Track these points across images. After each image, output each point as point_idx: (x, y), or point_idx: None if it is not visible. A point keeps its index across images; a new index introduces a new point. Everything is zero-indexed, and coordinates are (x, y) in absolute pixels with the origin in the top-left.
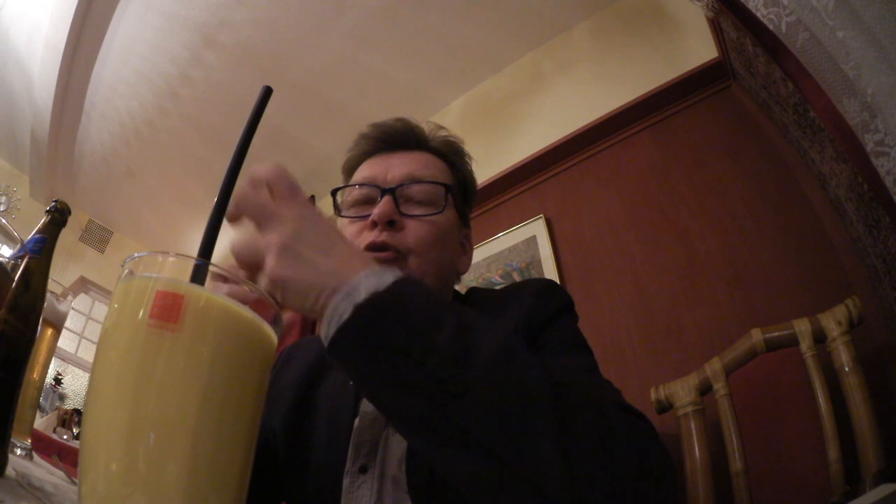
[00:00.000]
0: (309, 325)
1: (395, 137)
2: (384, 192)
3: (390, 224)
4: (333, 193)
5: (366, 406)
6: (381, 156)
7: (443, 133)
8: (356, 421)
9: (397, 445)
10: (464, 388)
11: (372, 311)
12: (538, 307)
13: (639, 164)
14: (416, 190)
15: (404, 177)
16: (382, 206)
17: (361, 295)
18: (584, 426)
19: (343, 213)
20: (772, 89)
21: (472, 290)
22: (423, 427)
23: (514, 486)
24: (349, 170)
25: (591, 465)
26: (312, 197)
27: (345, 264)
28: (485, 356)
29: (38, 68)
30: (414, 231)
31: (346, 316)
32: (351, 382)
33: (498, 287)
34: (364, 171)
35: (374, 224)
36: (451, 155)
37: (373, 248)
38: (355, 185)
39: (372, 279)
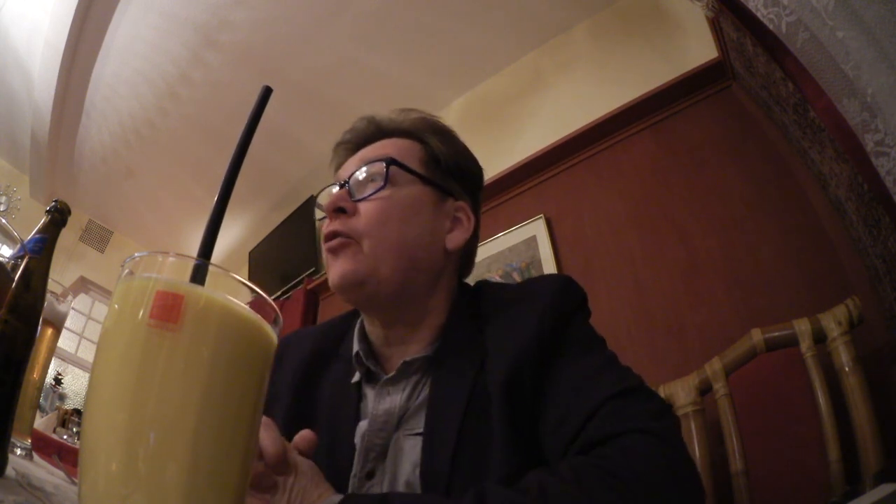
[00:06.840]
0: (309, 320)
1: (359, 136)
2: (340, 186)
3: (342, 212)
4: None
5: (375, 409)
6: (349, 159)
7: (414, 115)
8: (364, 424)
9: (411, 450)
10: None
11: None
12: (559, 305)
13: (639, 164)
14: (363, 173)
15: (356, 166)
16: (330, 197)
17: None
18: None
19: (319, 218)
20: (772, 89)
21: (483, 285)
22: None
23: None
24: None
25: None
26: (312, 197)
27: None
28: None
29: (38, 68)
30: (364, 212)
31: None
32: (352, 382)
33: None
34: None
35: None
36: (421, 132)
37: (326, 239)
38: (323, 188)
39: None
